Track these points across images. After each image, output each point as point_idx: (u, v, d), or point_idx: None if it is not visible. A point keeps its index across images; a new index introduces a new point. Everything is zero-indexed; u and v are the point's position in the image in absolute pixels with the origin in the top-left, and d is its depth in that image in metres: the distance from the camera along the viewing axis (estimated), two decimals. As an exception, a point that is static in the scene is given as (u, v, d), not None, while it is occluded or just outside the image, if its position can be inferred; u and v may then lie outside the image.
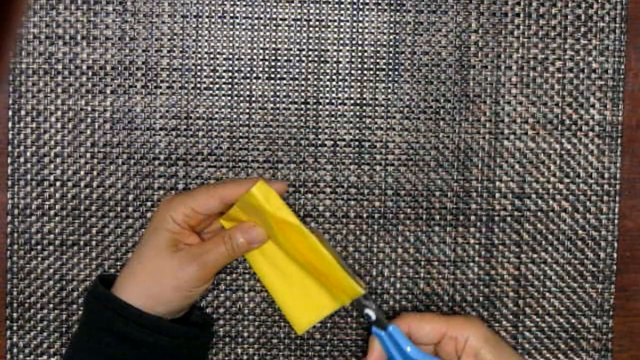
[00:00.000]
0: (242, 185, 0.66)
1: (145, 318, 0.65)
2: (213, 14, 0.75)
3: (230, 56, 0.75)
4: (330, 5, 0.75)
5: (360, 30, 0.75)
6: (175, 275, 0.66)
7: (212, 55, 0.75)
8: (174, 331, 0.66)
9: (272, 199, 0.65)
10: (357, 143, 0.75)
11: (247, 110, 0.75)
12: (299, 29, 0.75)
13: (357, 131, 0.75)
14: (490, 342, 0.65)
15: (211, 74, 0.75)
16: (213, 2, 0.75)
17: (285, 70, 0.75)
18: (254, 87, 0.75)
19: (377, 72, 0.75)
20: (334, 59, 0.75)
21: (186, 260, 0.66)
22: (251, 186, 0.65)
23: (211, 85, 0.75)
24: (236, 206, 0.67)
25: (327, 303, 0.69)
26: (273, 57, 0.75)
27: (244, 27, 0.75)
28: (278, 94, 0.75)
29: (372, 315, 0.68)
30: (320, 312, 0.69)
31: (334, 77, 0.75)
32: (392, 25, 0.75)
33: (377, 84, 0.75)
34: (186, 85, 0.75)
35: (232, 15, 0.75)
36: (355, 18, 0.75)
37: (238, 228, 0.67)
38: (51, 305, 0.75)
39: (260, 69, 0.75)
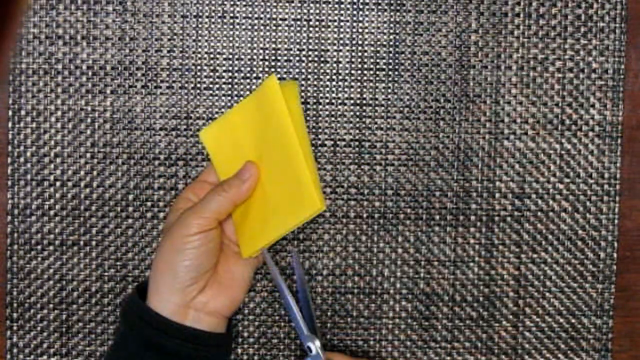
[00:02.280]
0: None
1: (183, 331, 0.65)
2: (213, 14, 0.75)
3: (230, 56, 0.75)
4: (330, 5, 0.75)
5: (360, 30, 0.75)
6: (181, 235, 0.65)
7: (212, 55, 0.75)
8: (212, 340, 0.66)
9: (280, 95, 0.67)
10: (357, 143, 0.75)
11: (247, 110, 0.75)
12: (299, 29, 0.75)
13: (357, 131, 0.75)
14: None
15: (211, 74, 0.75)
16: (213, 2, 0.75)
17: (285, 70, 0.75)
18: (254, 87, 0.75)
19: (377, 72, 0.75)
20: (334, 59, 0.75)
21: (186, 214, 0.66)
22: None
23: (211, 85, 0.75)
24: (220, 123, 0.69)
25: (279, 223, 0.67)
26: (273, 57, 0.75)
27: (244, 27, 0.75)
28: (278, 94, 0.75)
29: (314, 349, 0.70)
30: (269, 234, 0.68)
31: (334, 77, 0.75)
32: (392, 25, 0.75)
33: (377, 84, 0.75)
34: (186, 85, 0.75)
35: (232, 15, 0.75)
36: (355, 18, 0.75)
37: (234, 176, 0.68)
38: (51, 305, 0.75)
39: (260, 69, 0.75)
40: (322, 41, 0.75)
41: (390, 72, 0.75)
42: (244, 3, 0.75)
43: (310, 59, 0.75)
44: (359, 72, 0.75)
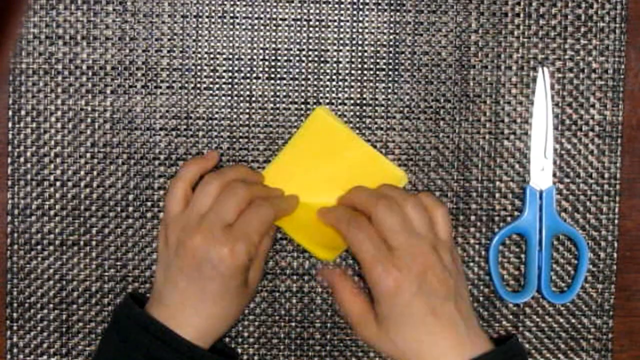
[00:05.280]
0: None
1: (196, 352, 0.65)
2: (213, 14, 0.75)
3: (230, 56, 0.75)
4: (330, 5, 0.75)
5: (360, 30, 0.75)
6: (227, 261, 0.65)
7: (212, 55, 0.75)
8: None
9: (331, 121, 0.74)
10: (357, 143, 0.75)
11: (247, 110, 0.75)
12: (299, 29, 0.75)
13: (357, 131, 0.75)
14: None
15: (211, 74, 0.75)
16: (213, 2, 0.75)
17: (285, 70, 0.75)
18: (254, 87, 0.75)
19: (377, 72, 0.75)
20: (334, 59, 0.75)
21: (231, 238, 0.66)
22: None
23: (211, 85, 0.75)
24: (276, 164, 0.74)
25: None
26: (273, 57, 0.75)
27: (244, 27, 0.75)
28: (278, 94, 0.75)
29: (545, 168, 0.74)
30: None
31: (334, 77, 0.75)
32: (392, 25, 0.75)
33: (377, 84, 0.75)
34: (186, 85, 0.75)
35: (232, 15, 0.75)
36: (355, 18, 0.75)
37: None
38: (51, 305, 0.75)
39: (260, 69, 0.75)
40: (322, 41, 0.75)
41: (390, 72, 0.75)
42: (244, 3, 0.75)
43: (310, 59, 0.75)
44: (359, 72, 0.75)
